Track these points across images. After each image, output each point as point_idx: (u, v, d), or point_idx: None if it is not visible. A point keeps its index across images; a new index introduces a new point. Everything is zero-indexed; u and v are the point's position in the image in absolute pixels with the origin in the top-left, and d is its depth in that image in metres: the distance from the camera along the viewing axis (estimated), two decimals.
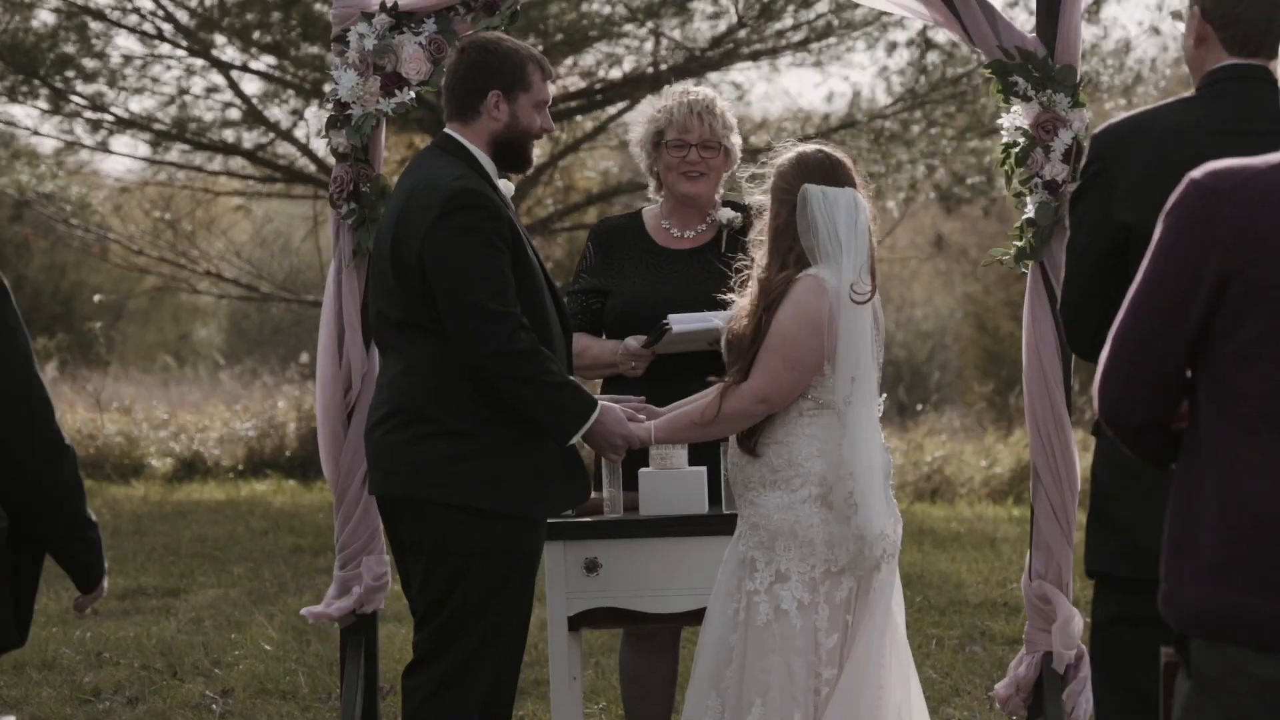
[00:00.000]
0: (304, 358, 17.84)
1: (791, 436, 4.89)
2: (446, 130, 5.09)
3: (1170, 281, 3.08)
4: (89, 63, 15.59)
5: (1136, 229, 4.12)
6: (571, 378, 4.99)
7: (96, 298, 21.60)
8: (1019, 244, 5.58)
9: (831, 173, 4.91)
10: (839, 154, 4.98)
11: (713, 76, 16.07)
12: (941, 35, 14.56)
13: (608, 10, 15.36)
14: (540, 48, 15.43)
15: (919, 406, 18.15)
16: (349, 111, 5.69)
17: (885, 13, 5.95)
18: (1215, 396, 3.09)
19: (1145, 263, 3.13)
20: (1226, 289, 3.04)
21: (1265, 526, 3.02)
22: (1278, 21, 4.22)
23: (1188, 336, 3.09)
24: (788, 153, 5.00)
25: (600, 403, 4.96)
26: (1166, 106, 4.32)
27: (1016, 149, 5.55)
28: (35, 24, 15.30)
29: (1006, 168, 5.61)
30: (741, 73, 16.43)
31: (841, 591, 4.86)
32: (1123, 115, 4.36)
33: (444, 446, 4.91)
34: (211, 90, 16.16)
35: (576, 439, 4.91)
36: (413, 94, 5.68)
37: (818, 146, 5.01)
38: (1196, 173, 3.10)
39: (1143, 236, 4.08)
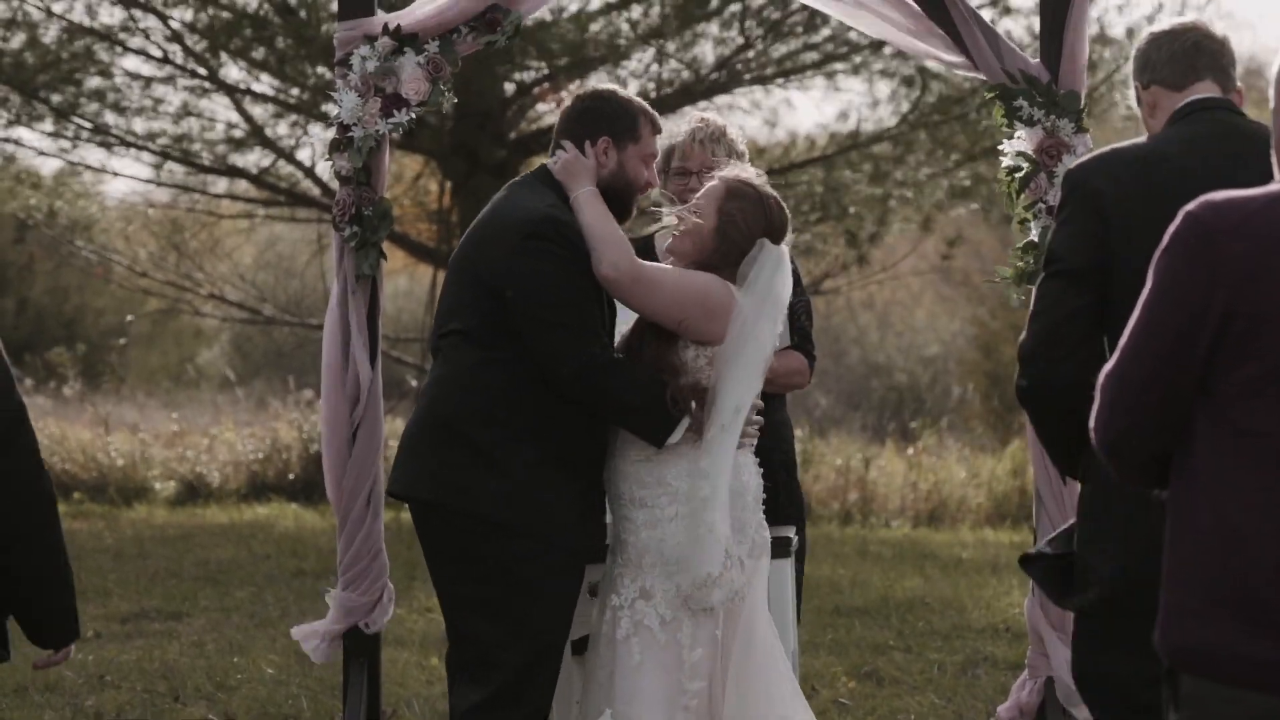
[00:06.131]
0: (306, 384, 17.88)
1: (663, 455, 4.96)
2: (546, 165, 5.16)
3: (1172, 321, 3.07)
4: (93, 83, 15.62)
5: (1113, 200, 4.15)
6: (658, 377, 4.99)
7: (130, 318, 21.67)
8: (1019, 265, 5.58)
9: (783, 234, 5.08)
10: (785, 208, 5.14)
11: (718, 100, 16.09)
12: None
13: (613, 32, 15.36)
14: (545, 70, 15.47)
15: (914, 425, 18.13)
16: (351, 134, 5.71)
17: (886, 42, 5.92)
18: (1216, 430, 3.07)
19: (1143, 302, 3.12)
20: (1229, 326, 3.02)
21: (1261, 566, 3.00)
22: (1203, 49, 4.32)
23: (1193, 374, 3.07)
24: (750, 188, 5.07)
25: None
26: (1132, 142, 4.39)
27: (1020, 174, 5.56)
28: (41, 46, 15.32)
29: (1009, 191, 5.61)
30: (744, 96, 16.45)
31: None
32: (1088, 154, 4.43)
33: (469, 458, 4.95)
34: (216, 112, 16.20)
35: (679, 435, 4.95)
36: (412, 115, 5.71)
37: (776, 197, 5.12)
38: (1192, 207, 3.08)
39: (1122, 213, 4.11)
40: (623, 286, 4.93)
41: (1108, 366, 3.19)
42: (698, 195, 5.14)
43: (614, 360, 4.95)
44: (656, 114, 5.23)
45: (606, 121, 5.12)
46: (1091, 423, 3.21)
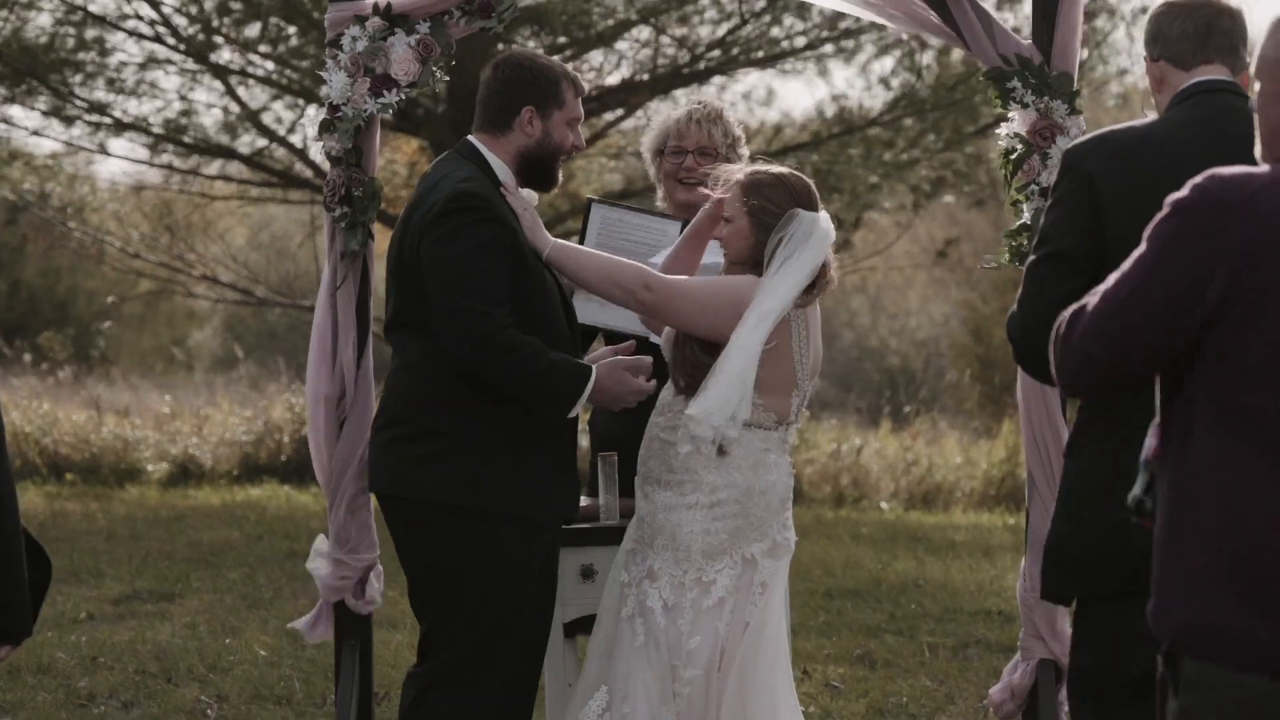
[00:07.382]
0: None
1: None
2: (469, 138, 5.12)
3: (1165, 282, 3.03)
4: (89, 65, 15.57)
5: (1107, 183, 4.13)
6: (557, 355, 4.89)
7: (110, 298, 21.64)
8: (1014, 244, 5.58)
9: (813, 198, 5.02)
10: (804, 177, 5.10)
11: (714, 81, 16.07)
12: (936, 40, 14.54)
13: (609, 8, 15.32)
14: (541, 51, 15.43)
15: (908, 409, 18.14)
16: (340, 114, 5.70)
17: (881, 25, 5.92)
18: (1218, 412, 3.03)
19: (1136, 260, 3.08)
20: (1231, 304, 2.99)
21: (1260, 547, 2.98)
22: (1216, 28, 4.28)
23: (1175, 343, 3.03)
24: (763, 173, 5.03)
25: (595, 368, 4.93)
26: (1129, 124, 4.36)
27: (1014, 155, 5.56)
28: (35, 26, 15.30)
29: (1004, 173, 5.61)
30: (741, 78, 16.42)
31: (709, 599, 4.91)
32: (1087, 134, 4.40)
33: (419, 446, 4.93)
34: (210, 94, 16.17)
35: (578, 410, 4.92)
36: (401, 96, 5.69)
37: (792, 171, 5.09)
38: (1200, 180, 3.04)
39: (1115, 195, 4.10)
40: (659, 305, 4.92)
41: (1090, 307, 3.13)
42: (725, 204, 5.06)
43: (513, 341, 4.81)
44: (578, 75, 5.18)
45: (528, 90, 5.07)
46: (1051, 353, 3.18)
